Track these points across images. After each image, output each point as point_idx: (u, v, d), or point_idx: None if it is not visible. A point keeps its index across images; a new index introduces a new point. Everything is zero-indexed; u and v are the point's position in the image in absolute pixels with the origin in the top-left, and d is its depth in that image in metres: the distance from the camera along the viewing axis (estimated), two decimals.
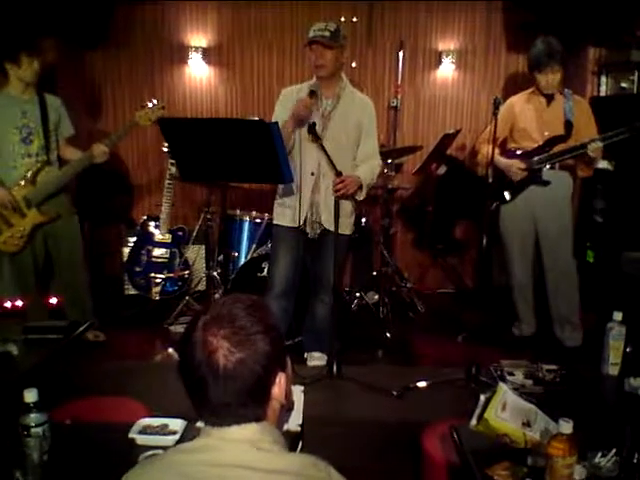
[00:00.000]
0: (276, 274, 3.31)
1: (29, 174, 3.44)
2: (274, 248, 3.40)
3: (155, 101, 3.67)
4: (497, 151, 3.74)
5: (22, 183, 3.44)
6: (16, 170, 3.43)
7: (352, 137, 3.20)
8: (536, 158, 3.61)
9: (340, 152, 3.14)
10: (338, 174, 3.01)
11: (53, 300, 3.58)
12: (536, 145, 3.62)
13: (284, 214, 3.26)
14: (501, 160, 3.69)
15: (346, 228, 3.28)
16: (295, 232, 3.24)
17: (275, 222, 3.34)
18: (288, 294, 3.32)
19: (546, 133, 3.60)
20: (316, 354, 3.46)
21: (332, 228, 3.16)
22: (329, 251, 3.21)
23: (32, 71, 3.38)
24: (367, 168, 3.21)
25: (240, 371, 1.02)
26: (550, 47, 3.49)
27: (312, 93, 3.08)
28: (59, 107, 3.62)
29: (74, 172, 3.58)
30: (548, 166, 3.59)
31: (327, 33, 3.04)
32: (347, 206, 3.25)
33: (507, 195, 3.72)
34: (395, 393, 3.02)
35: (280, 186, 3.30)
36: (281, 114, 3.15)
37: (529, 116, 3.66)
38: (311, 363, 3.44)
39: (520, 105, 3.70)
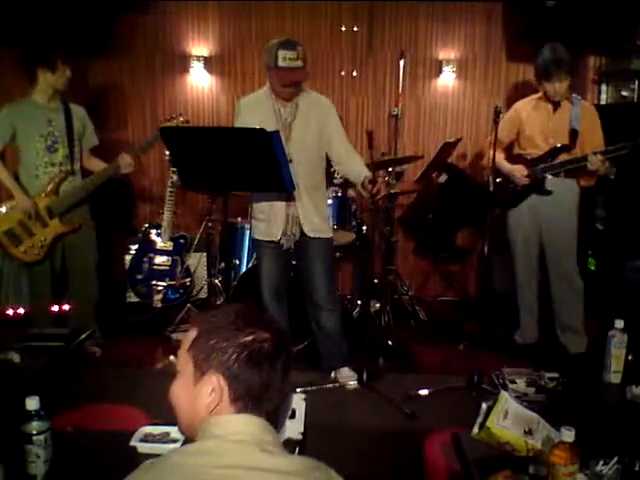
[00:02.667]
0: (264, 282, 3.31)
1: (52, 184, 3.45)
2: (257, 259, 3.42)
3: (180, 115, 3.72)
4: (502, 155, 3.76)
5: (45, 192, 3.45)
6: (38, 179, 3.44)
7: (317, 141, 3.16)
8: (539, 167, 3.60)
9: (308, 160, 3.15)
10: (373, 181, 2.97)
11: (55, 308, 3.59)
12: (541, 153, 3.61)
13: (258, 228, 3.25)
14: (505, 165, 3.70)
15: (329, 231, 3.33)
16: (273, 244, 3.23)
17: (253, 236, 3.34)
18: (279, 299, 3.33)
19: (551, 141, 3.58)
20: (345, 371, 3.37)
21: (317, 235, 3.21)
22: (318, 259, 3.25)
23: (64, 78, 3.39)
24: (359, 165, 3.17)
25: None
26: (557, 55, 3.45)
27: None
28: (84, 117, 3.63)
29: (99, 182, 3.57)
30: (550, 176, 3.58)
31: (300, 63, 2.95)
32: (325, 210, 3.32)
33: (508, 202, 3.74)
34: (408, 412, 2.99)
35: (252, 200, 3.31)
36: (239, 123, 3.13)
37: (535, 123, 3.63)
38: (346, 384, 3.31)
39: (527, 111, 3.68)
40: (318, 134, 3.16)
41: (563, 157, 3.56)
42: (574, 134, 3.53)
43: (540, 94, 3.64)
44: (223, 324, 1.12)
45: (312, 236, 3.21)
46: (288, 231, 3.19)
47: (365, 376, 3.22)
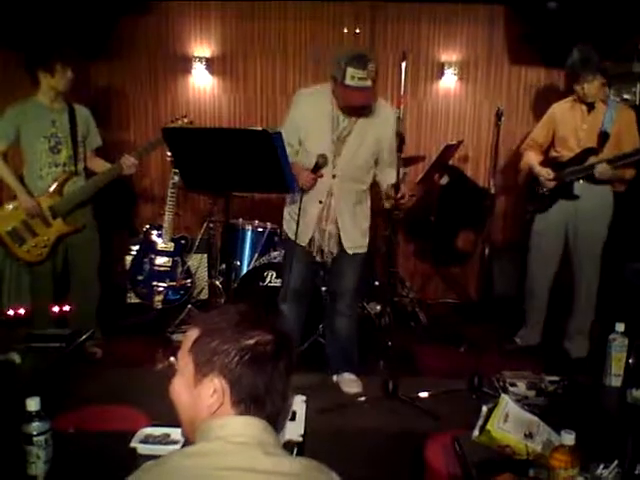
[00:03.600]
0: (286, 282, 3.24)
1: (56, 184, 3.46)
2: (285, 255, 3.35)
3: (185, 117, 3.73)
4: (539, 158, 3.75)
5: (49, 193, 3.45)
6: (42, 179, 3.45)
7: (370, 154, 3.04)
8: (567, 170, 3.58)
9: (354, 177, 3.05)
10: (396, 186, 2.90)
11: (56, 308, 3.59)
12: (572, 155, 3.58)
13: (290, 227, 3.16)
14: (535, 167, 3.69)
15: (366, 245, 3.23)
16: (302, 247, 3.16)
17: (285, 231, 3.28)
18: (301, 299, 3.27)
19: (583, 143, 3.54)
20: (347, 376, 3.33)
21: (356, 251, 3.14)
22: (351, 272, 3.19)
23: (65, 80, 3.38)
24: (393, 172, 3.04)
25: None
26: (583, 56, 3.43)
27: (317, 167, 2.92)
28: (88, 118, 3.64)
29: (102, 183, 3.59)
30: (582, 180, 3.54)
31: (369, 82, 2.75)
32: (365, 223, 3.21)
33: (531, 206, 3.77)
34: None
35: (287, 196, 3.23)
36: (294, 117, 3.03)
37: (569, 124, 3.60)
38: (346, 389, 3.27)
39: (561, 112, 3.66)
40: (373, 145, 3.03)
41: (592, 160, 3.51)
42: (604, 137, 3.49)
43: (575, 95, 3.60)
44: (225, 325, 1.11)
45: (351, 253, 3.14)
46: (321, 244, 3.12)
47: (391, 386, 3.14)
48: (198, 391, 1.10)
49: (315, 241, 3.13)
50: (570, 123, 3.60)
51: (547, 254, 3.75)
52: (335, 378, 3.36)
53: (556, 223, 3.68)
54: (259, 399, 1.09)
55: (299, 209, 3.01)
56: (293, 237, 3.12)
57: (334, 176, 3.01)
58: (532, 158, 3.76)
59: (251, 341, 1.09)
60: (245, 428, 1.08)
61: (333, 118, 2.97)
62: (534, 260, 3.81)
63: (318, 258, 3.17)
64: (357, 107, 2.90)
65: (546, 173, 3.64)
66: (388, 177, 3.06)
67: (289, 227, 3.20)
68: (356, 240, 3.16)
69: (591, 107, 3.55)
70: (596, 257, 3.65)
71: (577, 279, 3.70)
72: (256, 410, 1.09)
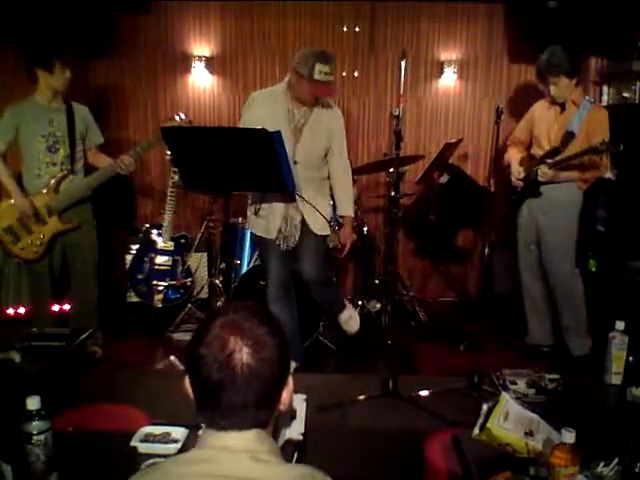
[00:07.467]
0: (270, 279, 3.34)
1: (52, 182, 3.45)
2: (261, 255, 3.46)
3: (182, 115, 3.72)
4: (521, 155, 3.78)
5: (45, 191, 3.45)
6: (40, 178, 3.45)
7: (323, 147, 3.22)
8: (531, 169, 3.61)
9: (313, 164, 3.20)
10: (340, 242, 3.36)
11: (56, 307, 3.59)
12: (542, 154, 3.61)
13: (257, 223, 3.30)
14: (512, 165, 3.74)
15: (328, 230, 3.36)
16: (272, 241, 3.28)
17: (253, 231, 3.41)
18: (286, 296, 3.35)
19: (553, 143, 3.57)
20: (342, 316, 3.59)
21: (321, 233, 3.27)
22: (312, 245, 3.30)
23: (64, 79, 3.38)
24: (345, 196, 3.34)
25: (261, 371, 1.05)
26: (550, 58, 3.46)
27: None
28: (86, 116, 3.63)
29: (97, 182, 3.58)
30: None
31: (332, 77, 3.02)
32: (326, 210, 3.34)
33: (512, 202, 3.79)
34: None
35: (249, 195, 3.37)
36: (250, 119, 3.13)
37: (543, 123, 3.64)
38: (347, 328, 3.61)
39: (540, 111, 3.69)
40: (326, 140, 3.22)
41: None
42: (568, 137, 3.50)
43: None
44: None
45: (318, 234, 3.26)
46: (286, 232, 3.22)
47: (391, 385, 3.14)
48: None
49: (282, 231, 3.23)
50: (544, 123, 3.64)
51: (525, 250, 3.80)
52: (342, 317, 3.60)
53: (527, 219, 3.73)
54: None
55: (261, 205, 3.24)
56: (262, 234, 3.27)
57: (295, 162, 3.11)
58: (512, 154, 3.80)
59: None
60: (235, 436, 1.06)
61: (289, 111, 3.15)
62: (519, 256, 3.86)
63: (283, 247, 3.25)
64: (318, 97, 3.11)
65: (517, 173, 3.68)
66: (337, 193, 3.34)
67: (255, 225, 3.33)
68: (320, 223, 3.25)
69: (563, 108, 3.58)
70: (565, 254, 3.63)
71: (552, 277, 3.68)
72: (220, 418, 1.07)
